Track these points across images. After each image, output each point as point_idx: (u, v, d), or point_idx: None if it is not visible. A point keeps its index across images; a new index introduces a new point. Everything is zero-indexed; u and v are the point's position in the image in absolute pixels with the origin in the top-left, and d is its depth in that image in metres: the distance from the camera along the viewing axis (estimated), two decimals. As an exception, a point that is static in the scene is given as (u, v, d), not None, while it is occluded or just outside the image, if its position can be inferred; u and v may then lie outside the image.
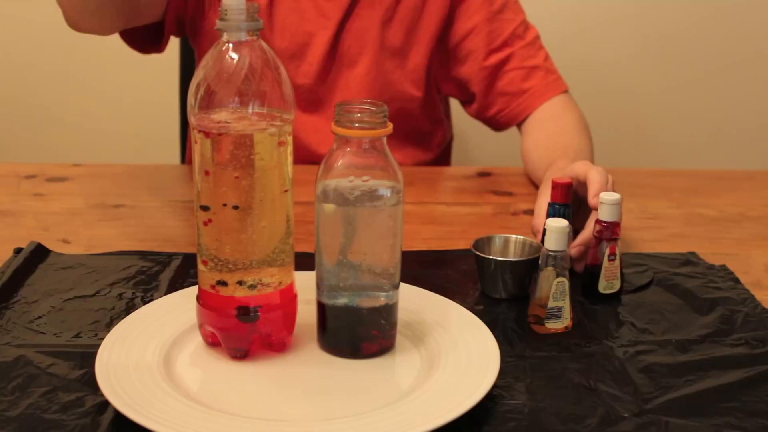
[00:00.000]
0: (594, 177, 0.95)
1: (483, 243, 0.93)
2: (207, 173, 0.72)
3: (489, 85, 1.38)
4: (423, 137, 1.46)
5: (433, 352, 0.77)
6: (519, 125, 1.38)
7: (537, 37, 1.39)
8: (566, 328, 0.84)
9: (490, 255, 0.91)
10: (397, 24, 1.36)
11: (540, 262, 0.83)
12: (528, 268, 0.89)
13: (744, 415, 0.71)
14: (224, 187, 0.72)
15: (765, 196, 1.27)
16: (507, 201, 1.23)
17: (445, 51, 1.40)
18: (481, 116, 1.42)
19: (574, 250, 0.93)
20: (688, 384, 0.75)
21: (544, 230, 0.83)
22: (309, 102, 1.37)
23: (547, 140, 1.29)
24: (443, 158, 1.53)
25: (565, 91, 1.37)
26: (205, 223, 0.73)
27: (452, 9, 1.37)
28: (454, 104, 1.56)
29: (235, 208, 0.72)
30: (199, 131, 0.72)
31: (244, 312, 0.74)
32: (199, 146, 0.72)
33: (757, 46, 2.13)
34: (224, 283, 0.74)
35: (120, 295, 0.90)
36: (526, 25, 1.39)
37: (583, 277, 0.92)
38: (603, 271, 0.90)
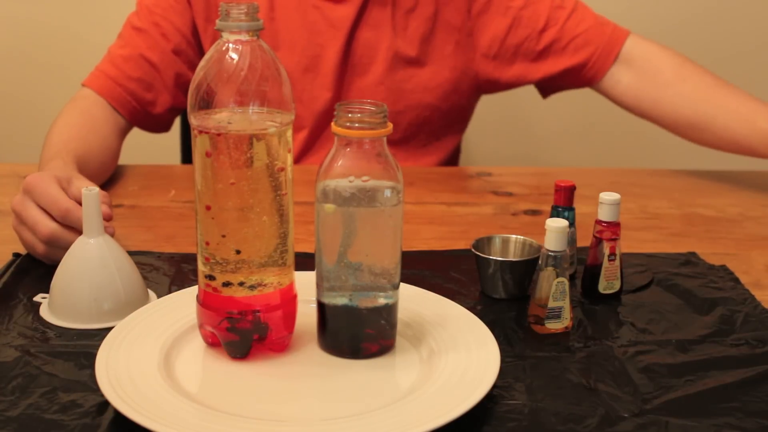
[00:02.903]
0: None
1: (483, 243, 0.93)
2: (207, 173, 0.72)
3: (556, 58, 1.37)
4: (436, 147, 1.45)
5: (433, 352, 0.77)
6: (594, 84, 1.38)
7: (576, 1, 1.38)
8: (566, 328, 0.84)
9: (490, 255, 0.91)
10: (411, 33, 1.36)
11: (540, 262, 0.83)
12: (528, 268, 0.89)
13: (744, 415, 0.71)
14: (224, 188, 0.72)
15: (765, 196, 1.27)
16: (507, 201, 1.23)
17: (493, 58, 1.39)
18: (553, 83, 1.42)
19: None
20: (688, 384, 0.75)
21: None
22: (324, 113, 1.37)
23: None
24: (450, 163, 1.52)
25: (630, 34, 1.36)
26: (206, 224, 0.74)
27: (474, 19, 1.36)
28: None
29: (236, 208, 0.72)
30: (200, 131, 0.72)
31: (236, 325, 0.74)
32: (199, 146, 0.72)
33: (757, 46, 2.13)
34: (225, 284, 0.74)
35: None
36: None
37: (583, 277, 0.92)
38: (603, 271, 0.90)
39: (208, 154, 0.72)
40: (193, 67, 1.36)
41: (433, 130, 1.42)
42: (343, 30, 1.34)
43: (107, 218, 0.91)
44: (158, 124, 1.38)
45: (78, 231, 0.87)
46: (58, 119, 1.24)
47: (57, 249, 0.91)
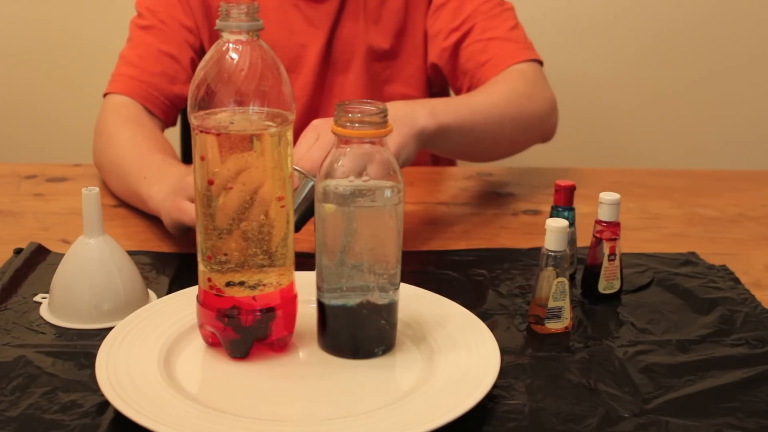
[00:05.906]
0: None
1: None
2: (208, 175, 0.72)
3: (454, 65, 1.34)
4: None
5: (433, 352, 0.77)
6: None
7: (506, 9, 1.33)
8: (566, 328, 0.84)
9: None
10: (383, 27, 1.36)
11: (540, 262, 0.83)
12: None
13: (744, 415, 0.71)
14: (224, 187, 0.72)
15: (765, 196, 1.27)
16: (507, 201, 1.23)
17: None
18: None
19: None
20: (688, 384, 0.75)
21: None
22: (306, 113, 1.37)
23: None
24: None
25: (531, 61, 1.29)
26: (206, 224, 0.74)
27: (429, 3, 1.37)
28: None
29: (236, 208, 0.72)
30: (200, 131, 0.72)
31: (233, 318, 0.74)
32: (199, 147, 0.72)
33: (758, 47, 2.13)
34: (226, 284, 0.74)
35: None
36: (497, 2, 1.33)
37: (583, 277, 0.92)
38: (603, 271, 0.90)
39: (208, 154, 0.72)
40: (201, 59, 1.34)
41: None
42: (323, 29, 1.35)
43: None
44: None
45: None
46: (116, 140, 1.17)
47: None
